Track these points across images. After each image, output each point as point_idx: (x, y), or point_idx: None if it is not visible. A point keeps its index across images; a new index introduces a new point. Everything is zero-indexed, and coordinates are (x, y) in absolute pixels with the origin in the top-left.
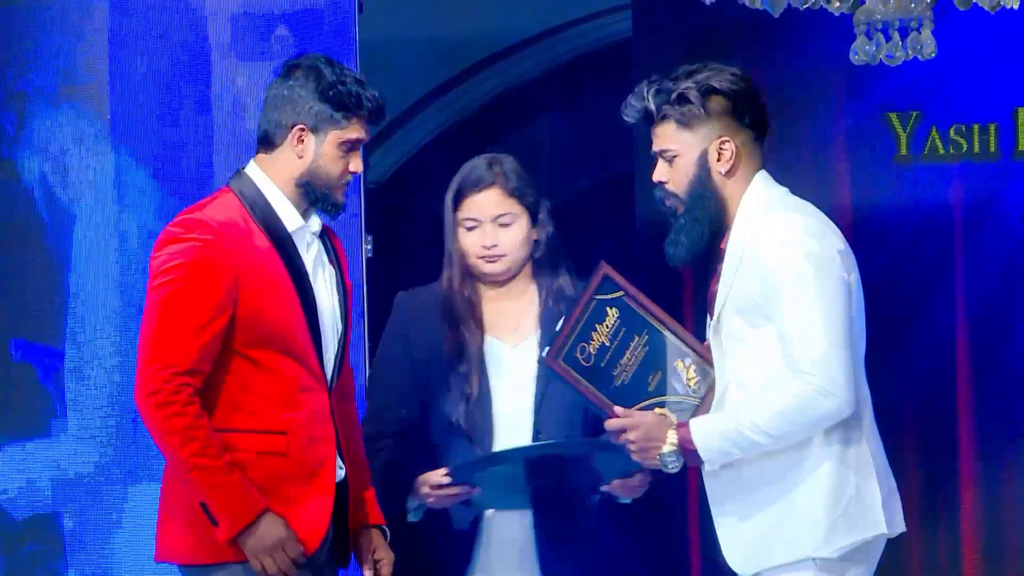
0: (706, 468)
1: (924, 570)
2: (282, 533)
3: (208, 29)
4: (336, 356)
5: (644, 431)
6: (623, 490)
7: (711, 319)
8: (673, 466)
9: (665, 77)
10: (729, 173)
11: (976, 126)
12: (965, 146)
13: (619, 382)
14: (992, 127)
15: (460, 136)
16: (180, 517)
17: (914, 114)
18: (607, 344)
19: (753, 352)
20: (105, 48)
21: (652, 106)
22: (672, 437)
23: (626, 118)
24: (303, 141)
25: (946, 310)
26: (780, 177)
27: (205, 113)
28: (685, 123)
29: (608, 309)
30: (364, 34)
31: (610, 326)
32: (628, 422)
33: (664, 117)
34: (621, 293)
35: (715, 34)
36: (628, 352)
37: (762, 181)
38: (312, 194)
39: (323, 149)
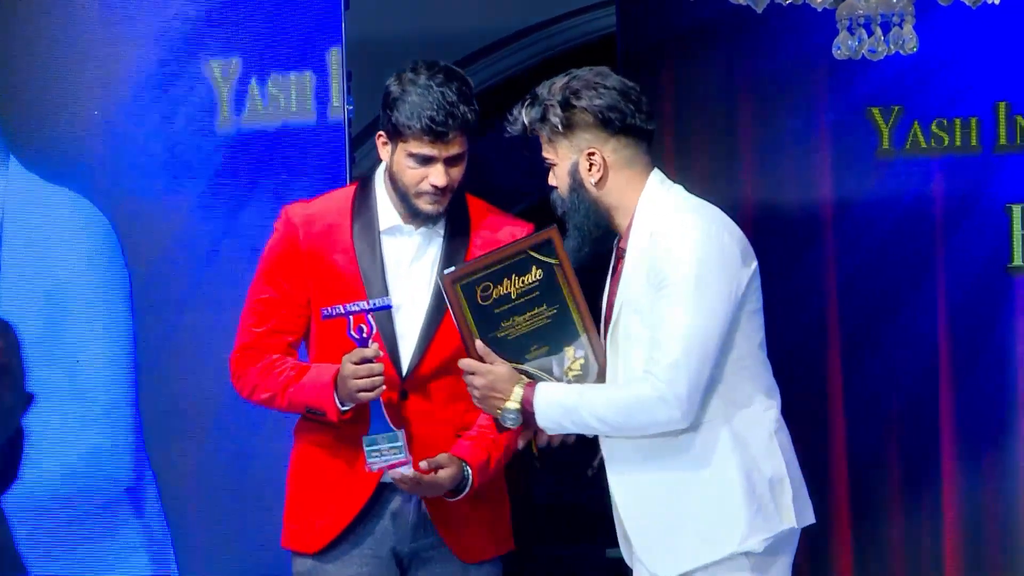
0: (545, 431)
1: (906, 562)
2: (341, 371)
3: (180, 20)
4: (414, 356)
5: (491, 380)
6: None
7: (608, 317)
8: (512, 423)
9: (544, 87)
10: (600, 183)
11: (958, 120)
12: (947, 140)
13: (501, 334)
14: (973, 121)
15: None
16: (287, 506)
17: (896, 108)
18: (512, 296)
19: (647, 351)
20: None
21: (525, 121)
22: (517, 394)
23: (510, 131)
24: (385, 145)
25: (927, 303)
26: (763, 171)
27: (175, 109)
28: (550, 138)
29: (534, 268)
30: (350, 29)
31: (526, 283)
32: (480, 367)
33: (533, 131)
34: (555, 262)
35: (698, 29)
36: (528, 315)
37: (656, 183)
38: (398, 196)
39: (396, 157)
